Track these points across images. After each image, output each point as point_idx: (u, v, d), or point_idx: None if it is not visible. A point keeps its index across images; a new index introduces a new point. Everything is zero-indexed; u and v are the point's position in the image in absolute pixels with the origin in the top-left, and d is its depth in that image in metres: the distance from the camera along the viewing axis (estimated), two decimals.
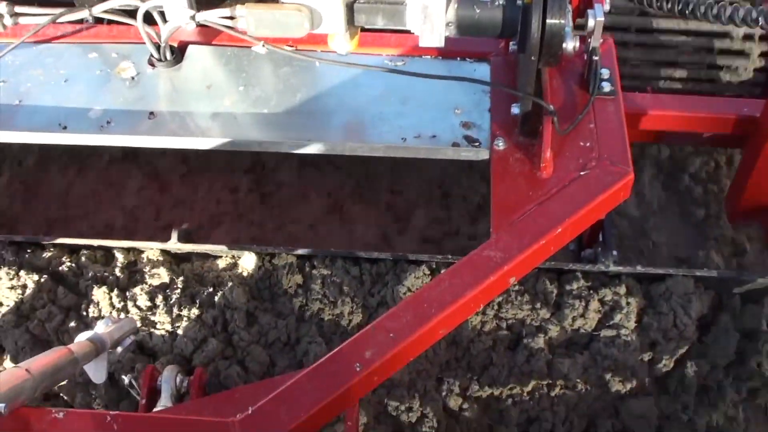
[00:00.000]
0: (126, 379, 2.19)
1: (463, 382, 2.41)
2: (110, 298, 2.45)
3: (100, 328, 2.12)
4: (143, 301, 2.45)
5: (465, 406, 2.41)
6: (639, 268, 2.38)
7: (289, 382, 1.80)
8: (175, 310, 2.44)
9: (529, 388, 2.41)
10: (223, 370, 2.36)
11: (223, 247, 2.52)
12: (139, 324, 2.42)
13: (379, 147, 2.22)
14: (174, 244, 2.50)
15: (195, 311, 2.44)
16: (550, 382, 2.41)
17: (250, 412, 1.75)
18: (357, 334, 1.85)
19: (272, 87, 2.36)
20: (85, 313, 2.48)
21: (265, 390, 1.82)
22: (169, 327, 2.43)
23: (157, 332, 2.44)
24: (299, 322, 2.45)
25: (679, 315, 2.38)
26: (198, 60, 2.45)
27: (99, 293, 2.46)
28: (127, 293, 2.47)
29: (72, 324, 2.47)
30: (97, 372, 2.08)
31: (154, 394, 2.11)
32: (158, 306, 2.45)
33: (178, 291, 2.46)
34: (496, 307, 2.42)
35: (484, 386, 2.41)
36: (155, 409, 2.06)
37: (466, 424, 2.40)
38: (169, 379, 2.14)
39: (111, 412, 1.79)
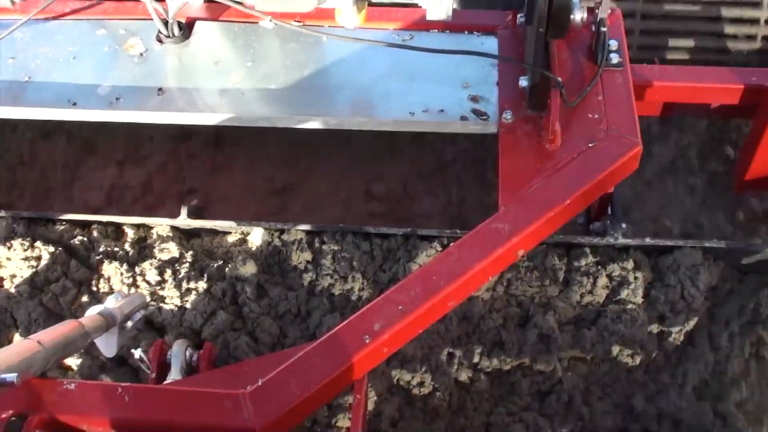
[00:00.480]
0: (136, 353, 2.21)
1: (473, 357, 2.42)
2: (120, 274, 2.47)
3: (111, 302, 2.14)
4: (152, 275, 2.46)
5: (476, 378, 2.42)
6: (648, 240, 2.38)
7: (299, 354, 1.81)
8: (184, 284, 2.45)
9: (540, 363, 2.42)
10: (232, 341, 2.37)
11: (232, 224, 2.52)
12: (148, 299, 2.43)
13: (387, 122, 2.22)
14: (183, 221, 2.51)
15: (203, 285, 2.45)
16: (561, 356, 2.42)
17: (260, 383, 1.76)
18: (366, 307, 1.86)
19: (280, 63, 2.36)
20: (95, 288, 2.50)
21: (275, 362, 1.82)
22: (177, 301, 2.45)
23: (167, 306, 2.45)
24: (309, 295, 2.46)
25: (687, 287, 2.39)
26: (206, 36, 2.45)
27: (110, 268, 2.48)
28: (137, 268, 2.48)
29: (84, 299, 2.49)
30: (107, 346, 2.10)
31: (163, 368, 2.12)
32: (167, 280, 2.46)
33: (187, 265, 2.47)
34: (505, 283, 2.42)
35: (494, 360, 2.42)
36: (165, 383, 2.08)
37: (477, 395, 2.41)
38: (178, 353, 2.15)
39: (122, 384, 1.80)
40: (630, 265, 2.41)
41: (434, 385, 2.40)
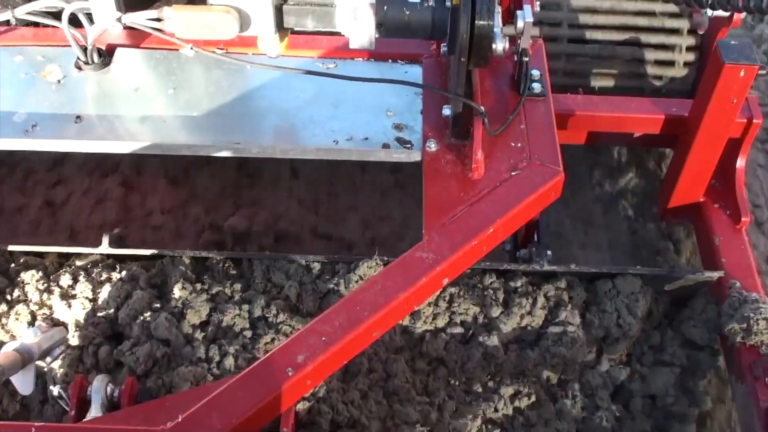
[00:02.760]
0: (54, 390, 2.14)
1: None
2: (36, 280, 2.40)
3: (28, 337, 2.07)
4: (66, 280, 2.38)
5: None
6: (573, 267, 2.41)
7: (220, 388, 1.77)
8: (96, 277, 2.38)
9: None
10: (152, 321, 2.27)
11: (156, 252, 2.47)
12: (61, 303, 2.35)
13: (311, 150, 2.21)
14: (105, 250, 2.45)
15: (116, 275, 2.37)
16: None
17: (180, 420, 1.72)
18: (289, 339, 1.84)
19: (202, 90, 2.34)
20: (9, 297, 2.41)
21: (197, 397, 1.79)
22: (90, 294, 2.36)
23: (76, 302, 2.36)
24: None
25: (623, 314, 2.42)
26: (126, 63, 2.41)
27: (26, 276, 2.41)
28: (51, 276, 2.42)
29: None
30: (24, 383, 2.03)
31: (83, 405, 2.06)
32: (80, 280, 2.38)
33: (107, 266, 2.42)
34: (447, 297, 2.41)
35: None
36: (84, 420, 2.01)
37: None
38: (99, 389, 2.08)
39: (36, 424, 1.75)
40: (563, 284, 2.45)
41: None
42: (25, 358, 2.01)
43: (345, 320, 1.84)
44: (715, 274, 2.46)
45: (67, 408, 2.07)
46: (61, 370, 2.29)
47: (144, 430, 1.73)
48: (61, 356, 2.21)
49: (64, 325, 2.36)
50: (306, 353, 1.79)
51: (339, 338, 1.81)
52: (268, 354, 1.82)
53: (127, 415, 1.95)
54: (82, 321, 2.33)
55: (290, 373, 1.77)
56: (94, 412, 2.04)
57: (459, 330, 2.39)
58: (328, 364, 1.82)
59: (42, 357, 2.10)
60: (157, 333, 2.24)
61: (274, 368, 1.79)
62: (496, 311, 2.40)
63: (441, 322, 2.39)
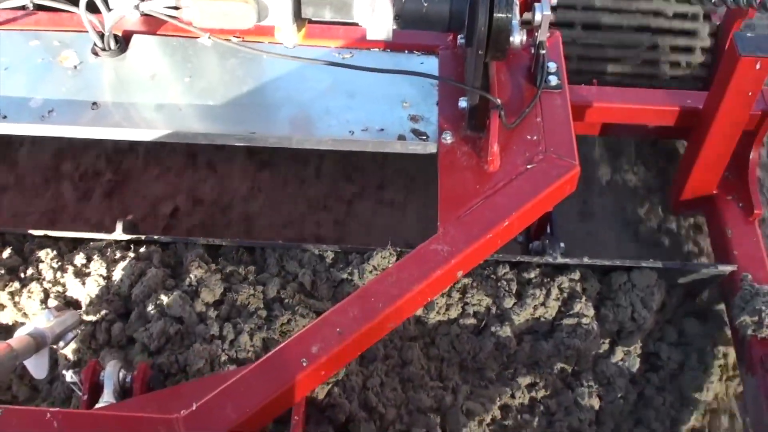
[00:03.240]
0: (67, 375, 2.16)
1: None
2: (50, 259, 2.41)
3: (41, 322, 2.08)
4: (80, 259, 2.40)
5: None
6: (586, 260, 2.41)
7: (235, 377, 1.79)
8: (110, 256, 2.39)
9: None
10: (166, 299, 2.28)
11: (168, 238, 2.48)
12: (75, 281, 2.37)
13: (327, 140, 2.21)
14: (119, 236, 2.46)
15: (132, 254, 2.38)
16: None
17: (194, 408, 1.74)
18: (304, 329, 1.85)
19: (218, 78, 2.34)
20: (22, 275, 2.43)
21: (211, 386, 1.80)
22: (104, 272, 2.37)
23: (90, 280, 2.37)
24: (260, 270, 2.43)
25: (637, 308, 2.44)
26: (142, 50, 2.41)
27: (41, 254, 2.42)
28: (65, 256, 2.43)
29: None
30: (38, 367, 2.05)
31: (96, 390, 2.07)
32: (93, 259, 2.39)
33: (121, 247, 2.44)
34: (461, 288, 2.42)
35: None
36: (97, 406, 2.03)
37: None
38: (111, 374, 2.10)
39: (51, 409, 1.76)
40: (577, 275, 2.46)
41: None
42: (38, 342, 2.02)
43: (359, 312, 1.84)
44: (728, 268, 2.46)
45: (79, 393, 2.09)
46: (74, 346, 2.30)
47: (158, 418, 1.74)
48: (74, 339, 2.22)
49: (77, 303, 2.38)
50: (320, 344, 1.81)
51: (353, 329, 1.82)
52: (282, 344, 1.83)
53: (141, 402, 1.96)
54: (95, 298, 2.35)
55: (305, 364, 1.78)
56: (107, 397, 2.06)
57: (472, 321, 2.41)
58: (342, 355, 1.83)
59: (55, 341, 2.12)
60: (171, 311, 2.26)
61: (288, 359, 1.80)
62: (509, 302, 2.41)
63: (454, 313, 2.40)
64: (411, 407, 2.27)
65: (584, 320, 2.40)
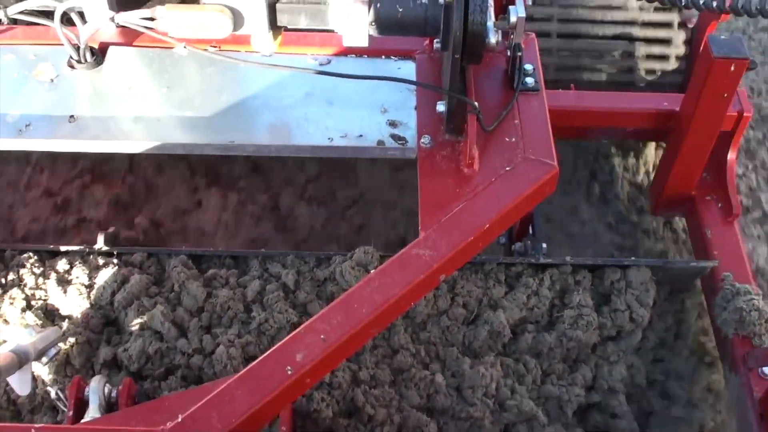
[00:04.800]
0: (52, 391, 2.15)
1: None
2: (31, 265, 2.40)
3: (24, 338, 2.07)
4: (62, 265, 2.39)
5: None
6: (568, 259, 2.42)
7: (219, 388, 1.78)
8: (93, 263, 2.38)
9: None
10: (150, 308, 2.29)
11: (155, 249, 2.48)
12: (57, 289, 2.35)
13: (306, 148, 2.21)
14: (100, 247, 2.45)
15: (115, 261, 2.38)
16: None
17: (179, 420, 1.72)
18: (287, 337, 1.84)
19: (196, 88, 2.33)
20: (3, 281, 2.42)
21: (196, 397, 1.79)
22: (86, 280, 2.37)
23: (72, 288, 2.37)
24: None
25: (634, 307, 2.46)
26: (119, 62, 2.40)
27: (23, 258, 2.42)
28: (47, 262, 2.43)
29: None
30: (21, 384, 2.04)
31: (81, 406, 2.06)
32: (75, 266, 2.39)
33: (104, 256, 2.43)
34: (450, 281, 2.42)
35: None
36: (83, 421, 2.01)
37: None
38: (96, 389, 2.09)
39: (36, 425, 1.75)
40: (568, 269, 2.48)
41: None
42: (21, 359, 2.01)
43: (343, 318, 1.83)
44: (710, 263, 2.48)
45: (64, 409, 2.08)
46: (56, 364, 2.29)
47: (144, 431, 1.73)
48: (55, 354, 2.21)
49: (58, 312, 2.36)
50: (305, 351, 1.79)
51: (337, 336, 1.81)
52: (266, 353, 1.82)
53: (126, 415, 1.95)
54: (77, 307, 2.35)
55: (290, 372, 1.77)
56: (92, 412, 2.05)
57: (462, 311, 2.41)
58: (327, 362, 1.82)
59: (38, 357, 2.10)
60: (153, 323, 2.25)
61: (273, 367, 1.79)
62: (500, 291, 2.42)
63: (443, 305, 2.40)
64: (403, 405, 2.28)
65: (585, 311, 2.41)
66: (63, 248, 2.47)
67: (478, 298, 2.41)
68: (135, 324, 2.28)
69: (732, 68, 2.37)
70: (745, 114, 2.63)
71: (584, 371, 2.44)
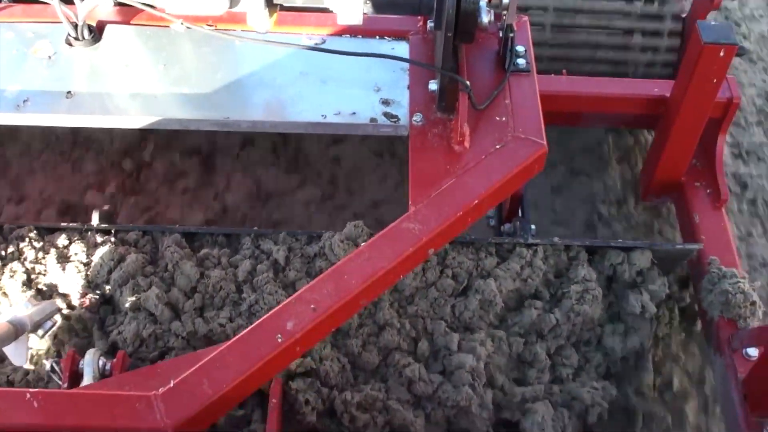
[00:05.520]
0: (47, 364, 2.16)
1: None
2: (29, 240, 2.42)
3: (21, 310, 2.10)
4: (62, 240, 2.41)
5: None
6: (556, 240, 2.45)
7: (211, 354, 1.81)
8: (91, 240, 2.40)
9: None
10: (146, 287, 2.31)
11: (149, 227, 2.50)
12: (56, 265, 2.38)
13: (300, 124, 2.24)
14: (95, 225, 2.48)
15: (112, 239, 2.40)
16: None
17: (172, 385, 1.76)
18: (279, 306, 1.88)
19: (192, 66, 2.36)
20: (3, 253, 2.44)
21: (188, 363, 1.82)
22: (84, 258, 2.39)
23: (71, 266, 2.38)
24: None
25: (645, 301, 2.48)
26: (116, 39, 2.43)
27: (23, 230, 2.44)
28: (46, 237, 2.45)
29: None
30: (17, 354, 2.06)
31: (76, 378, 2.08)
32: (74, 241, 2.41)
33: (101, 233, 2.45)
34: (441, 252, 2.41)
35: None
36: None
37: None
38: (90, 362, 2.11)
39: (31, 390, 1.77)
40: (561, 246, 2.48)
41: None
42: (17, 329, 2.04)
43: (333, 289, 1.87)
44: (695, 246, 2.51)
45: (59, 382, 2.10)
46: (53, 339, 2.31)
47: (137, 395, 1.76)
48: (50, 328, 2.23)
49: (56, 288, 2.39)
50: (295, 320, 1.84)
51: (327, 306, 1.85)
52: (258, 321, 1.86)
53: (119, 381, 1.98)
54: (75, 284, 2.37)
55: (280, 340, 1.81)
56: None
57: (450, 282, 2.40)
58: (316, 330, 1.86)
59: (34, 329, 2.13)
60: (147, 304, 2.28)
61: (264, 335, 1.83)
62: (492, 261, 2.42)
63: (432, 277, 2.39)
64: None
65: (590, 285, 2.42)
66: (62, 225, 2.49)
67: (469, 270, 2.41)
68: (130, 303, 2.30)
69: (721, 54, 2.40)
70: (734, 101, 2.66)
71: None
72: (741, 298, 2.39)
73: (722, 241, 2.61)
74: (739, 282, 2.42)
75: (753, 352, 2.30)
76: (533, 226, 2.48)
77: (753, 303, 2.40)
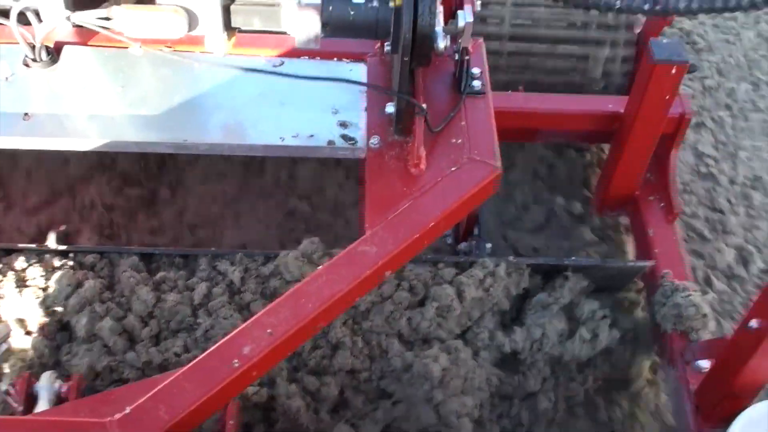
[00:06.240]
0: (2, 386, 2.16)
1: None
2: None
3: None
4: (20, 263, 2.40)
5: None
6: (511, 259, 2.48)
7: (167, 380, 1.82)
8: (50, 263, 2.40)
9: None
10: (102, 314, 2.31)
11: (106, 249, 2.50)
12: (13, 286, 2.37)
13: (258, 147, 2.25)
14: (52, 246, 2.47)
15: (70, 262, 2.39)
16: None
17: (127, 411, 1.76)
18: (235, 330, 1.88)
19: (151, 88, 2.36)
20: None
21: (143, 389, 1.82)
22: (42, 283, 2.38)
23: (29, 291, 2.37)
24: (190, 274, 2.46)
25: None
26: (75, 61, 2.42)
27: None
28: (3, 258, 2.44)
29: None
30: None
31: (31, 402, 2.07)
32: (32, 264, 2.40)
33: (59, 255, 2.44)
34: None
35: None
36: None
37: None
38: (46, 385, 2.11)
39: None
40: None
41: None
42: None
43: (290, 313, 1.88)
44: (647, 263, 2.56)
45: (14, 404, 2.09)
46: (7, 363, 2.31)
47: (92, 422, 1.76)
48: (3, 351, 2.22)
49: (13, 313, 2.38)
50: (252, 345, 1.84)
51: (284, 330, 1.86)
52: (214, 346, 1.87)
53: (73, 407, 1.98)
54: (32, 308, 2.36)
55: (236, 365, 1.82)
56: (42, 408, 2.06)
57: (406, 295, 2.41)
58: (273, 355, 1.87)
59: None
60: (102, 334, 2.29)
61: (220, 360, 1.83)
62: (450, 272, 2.43)
63: (388, 291, 2.41)
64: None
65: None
66: (19, 246, 2.48)
67: (426, 282, 2.42)
68: (85, 331, 2.30)
69: (673, 71, 2.45)
70: (686, 116, 2.72)
71: None
72: (693, 311, 2.44)
73: (674, 255, 2.67)
74: (691, 295, 2.47)
75: (704, 364, 2.35)
76: (489, 245, 2.51)
77: (704, 315, 2.45)
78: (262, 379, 2.32)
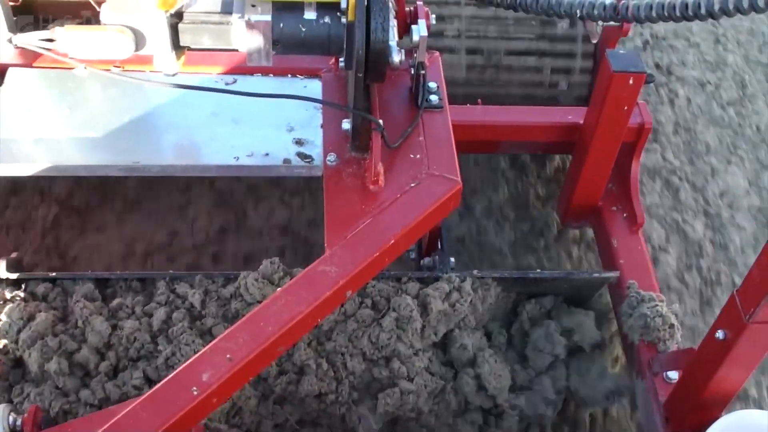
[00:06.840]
0: None
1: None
2: None
3: None
4: None
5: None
6: (476, 273, 2.45)
7: (125, 411, 1.76)
8: (1, 294, 2.32)
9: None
10: (55, 348, 2.22)
11: (59, 275, 2.43)
12: None
13: (212, 167, 2.21)
14: (2, 275, 2.39)
15: (21, 294, 2.32)
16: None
17: None
18: (193, 357, 1.83)
19: (99, 109, 2.31)
20: None
21: (101, 421, 1.77)
22: None
23: None
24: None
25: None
26: (19, 83, 2.37)
27: None
28: None
29: None
30: None
31: None
32: None
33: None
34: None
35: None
36: None
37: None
38: (0, 418, 2.04)
39: None
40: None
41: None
42: None
43: (249, 337, 1.83)
44: (612, 274, 2.54)
45: None
46: None
47: None
48: None
49: None
50: (211, 371, 1.79)
51: (243, 355, 1.81)
52: (172, 374, 1.81)
53: None
54: None
55: (195, 392, 1.76)
56: None
57: (369, 312, 2.35)
58: (233, 381, 1.82)
59: None
60: (52, 373, 2.21)
61: (178, 388, 1.78)
62: (414, 287, 2.38)
63: (350, 309, 2.35)
64: None
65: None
66: None
67: (389, 297, 2.36)
68: (37, 368, 2.23)
69: (630, 82, 2.45)
70: (646, 126, 2.71)
71: None
72: (659, 322, 2.42)
73: (640, 265, 2.65)
74: (658, 305, 2.45)
75: (673, 375, 2.33)
76: (452, 259, 2.47)
77: (671, 326, 2.43)
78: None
